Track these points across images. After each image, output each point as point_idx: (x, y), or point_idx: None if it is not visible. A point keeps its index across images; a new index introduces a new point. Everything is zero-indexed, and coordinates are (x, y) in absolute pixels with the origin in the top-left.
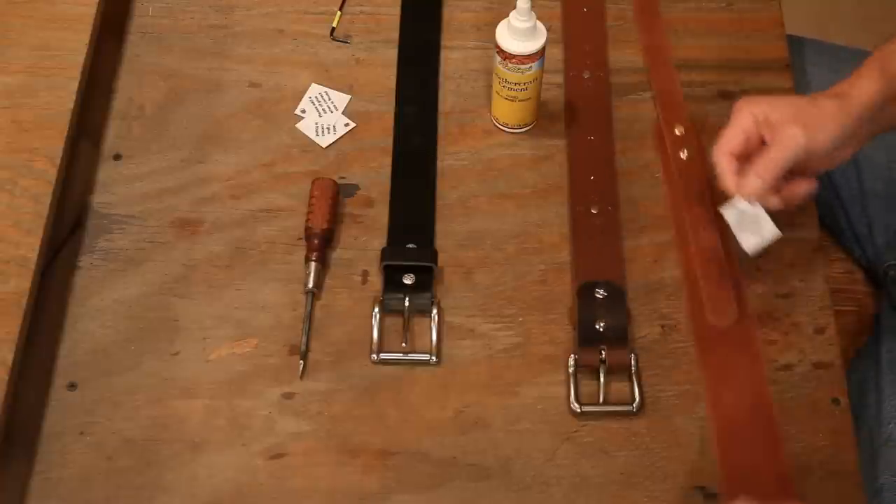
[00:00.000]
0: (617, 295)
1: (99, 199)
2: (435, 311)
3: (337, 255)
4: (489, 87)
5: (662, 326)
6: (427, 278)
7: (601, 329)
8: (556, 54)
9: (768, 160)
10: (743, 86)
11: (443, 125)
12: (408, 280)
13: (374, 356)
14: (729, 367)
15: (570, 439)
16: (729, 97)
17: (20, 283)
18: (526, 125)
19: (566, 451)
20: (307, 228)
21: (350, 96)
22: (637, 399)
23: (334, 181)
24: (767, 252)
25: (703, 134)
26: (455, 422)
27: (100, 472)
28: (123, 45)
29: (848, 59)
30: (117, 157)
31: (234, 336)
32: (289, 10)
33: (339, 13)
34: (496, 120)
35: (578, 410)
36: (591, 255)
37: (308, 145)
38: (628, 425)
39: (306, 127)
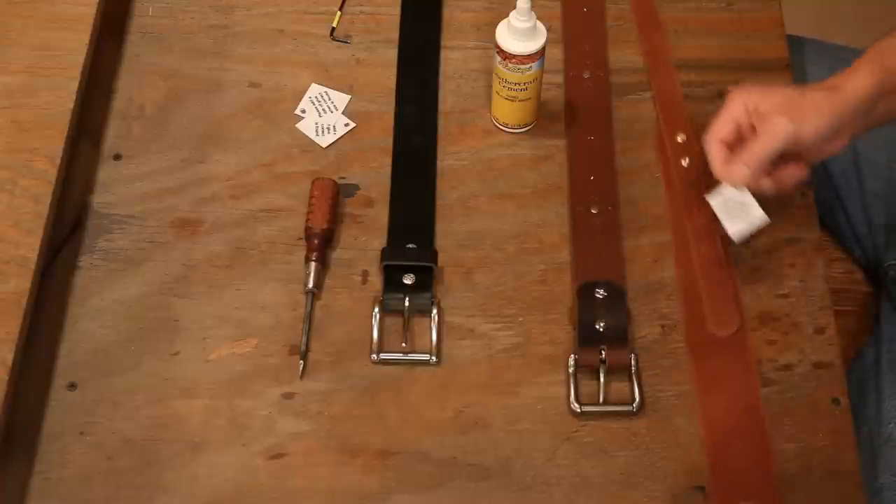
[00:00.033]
0: (617, 295)
1: (99, 199)
2: (435, 311)
3: (337, 255)
4: (489, 87)
5: (662, 326)
6: (427, 278)
7: (601, 329)
8: (556, 54)
9: (755, 149)
10: None
11: (443, 125)
12: (408, 280)
13: (374, 356)
14: (722, 375)
15: (570, 439)
16: None
17: (20, 283)
18: (526, 125)
19: (566, 451)
20: (307, 228)
21: (350, 96)
22: (637, 399)
23: (334, 181)
24: (768, 252)
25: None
26: (455, 422)
27: (100, 472)
28: (123, 45)
29: (848, 59)
30: (117, 157)
31: (234, 336)
32: (289, 10)
33: (339, 13)
34: (496, 120)
35: (578, 410)
36: (591, 255)
37: (308, 145)
38: (628, 425)
39: (306, 127)
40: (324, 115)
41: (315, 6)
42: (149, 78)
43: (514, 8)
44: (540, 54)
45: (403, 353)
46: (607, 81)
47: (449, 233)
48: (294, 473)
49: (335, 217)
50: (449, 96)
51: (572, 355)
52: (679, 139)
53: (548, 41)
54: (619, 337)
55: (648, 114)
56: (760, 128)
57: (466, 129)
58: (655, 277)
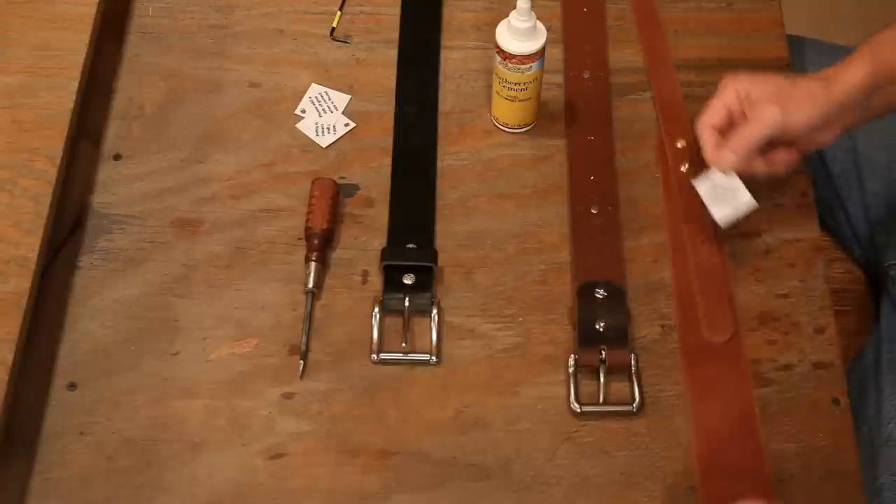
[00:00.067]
0: (617, 295)
1: (99, 199)
2: (435, 311)
3: (337, 255)
4: (489, 87)
5: (662, 326)
6: (427, 278)
7: (601, 329)
8: (556, 54)
9: (742, 136)
10: None
11: (443, 125)
12: (408, 280)
13: (374, 356)
14: (717, 382)
15: (570, 439)
16: None
17: (20, 283)
18: (526, 125)
19: (566, 451)
20: (307, 228)
21: (350, 96)
22: (637, 399)
23: (334, 181)
24: (768, 252)
25: None
26: (455, 422)
27: (100, 472)
28: (123, 45)
29: None
30: (117, 157)
31: (234, 336)
32: (289, 10)
33: (339, 13)
34: (496, 120)
35: (578, 410)
36: (591, 255)
37: (308, 145)
38: (628, 425)
39: (306, 127)
40: (324, 115)
41: (315, 6)
42: (149, 78)
43: (514, 8)
44: (540, 54)
45: (403, 353)
46: (607, 81)
47: (449, 233)
48: (294, 473)
49: (335, 217)
50: (449, 96)
51: (572, 355)
52: (679, 145)
53: (548, 41)
54: (619, 337)
55: (648, 114)
56: (750, 115)
57: (466, 129)
58: (655, 277)
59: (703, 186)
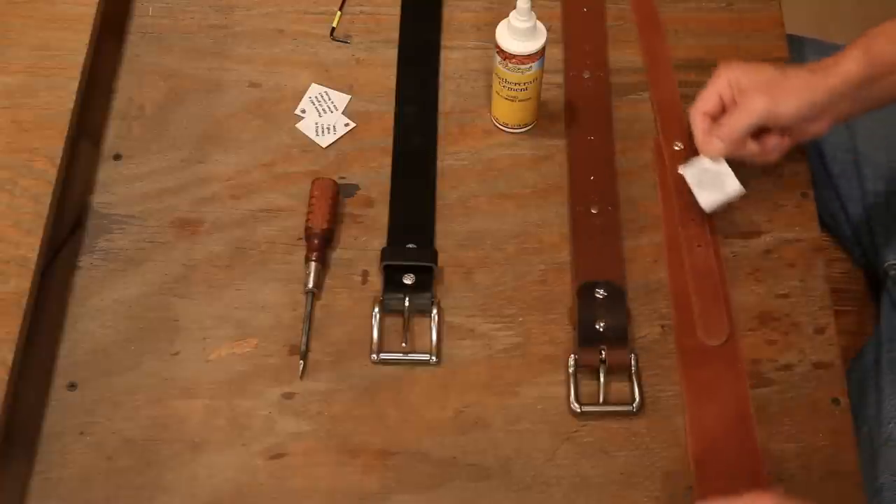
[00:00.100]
0: (617, 295)
1: (99, 199)
2: (435, 311)
3: (337, 255)
4: (489, 87)
5: (662, 326)
6: (427, 278)
7: (601, 329)
8: (556, 54)
9: (730, 124)
10: None
11: (443, 125)
12: (408, 280)
13: (374, 356)
14: (713, 384)
15: (570, 439)
16: None
17: (20, 283)
18: (526, 125)
19: (566, 451)
20: (307, 228)
21: (350, 96)
22: (637, 399)
23: (334, 181)
24: (768, 252)
25: None
26: (455, 422)
27: (100, 472)
28: (123, 45)
29: None
30: (117, 157)
31: (234, 336)
32: (289, 10)
33: (339, 13)
34: (496, 120)
35: (578, 410)
36: (591, 255)
37: (308, 145)
38: (628, 425)
39: (306, 127)
40: (324, 115)
41: (315, 6)
42: (149, 78)
43: (514, 8)
44: (540, 54)
45: (403, 353)
46: (607, 81)
47: (449, 233)
48: (294, 473)
49: (335, 217)
50: (449, 96)
51: (572, 355)
52: (676, 147)
53: (548, 41)
54: (619, 337)
55: (648, 114)
56: (739, 103)
57: (466, 129)
58: (655, 277)
59: (691, 171)
